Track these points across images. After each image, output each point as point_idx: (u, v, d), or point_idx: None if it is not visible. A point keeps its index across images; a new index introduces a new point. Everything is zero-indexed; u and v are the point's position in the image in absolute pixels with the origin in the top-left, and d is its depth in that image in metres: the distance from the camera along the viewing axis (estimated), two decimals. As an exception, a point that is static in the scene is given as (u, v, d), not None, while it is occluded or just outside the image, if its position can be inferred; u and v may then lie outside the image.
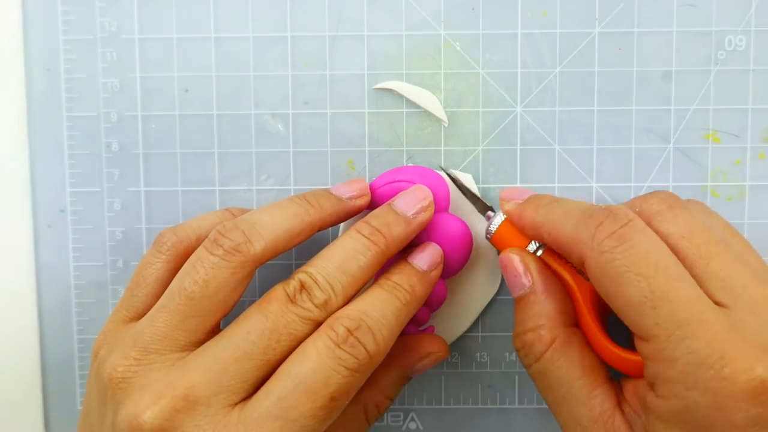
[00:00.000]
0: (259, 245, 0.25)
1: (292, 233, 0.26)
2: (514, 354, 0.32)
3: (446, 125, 0.32)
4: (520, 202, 0.27)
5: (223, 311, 0.25)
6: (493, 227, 0.28)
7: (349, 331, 0.24)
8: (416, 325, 0.30)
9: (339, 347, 0.24)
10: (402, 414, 0.33)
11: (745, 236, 0.31)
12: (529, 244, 0.28)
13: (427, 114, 0.32)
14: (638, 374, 0.24)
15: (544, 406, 0.33)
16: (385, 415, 0.33)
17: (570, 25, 0.31)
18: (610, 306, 0.23)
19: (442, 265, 0.28)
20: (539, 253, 0.27)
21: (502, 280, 0.32)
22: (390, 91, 0.32)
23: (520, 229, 0.28)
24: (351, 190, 0.28)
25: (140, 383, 0.24)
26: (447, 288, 0.30)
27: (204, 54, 0.32)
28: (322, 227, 0.27)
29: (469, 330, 0.32)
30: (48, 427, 0.33)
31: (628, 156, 0.32)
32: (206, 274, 0.25)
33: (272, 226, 0.26)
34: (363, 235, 0.26)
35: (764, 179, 0.32)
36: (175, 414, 0.23)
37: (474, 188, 0.31)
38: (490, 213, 0.29)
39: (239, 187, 0.32)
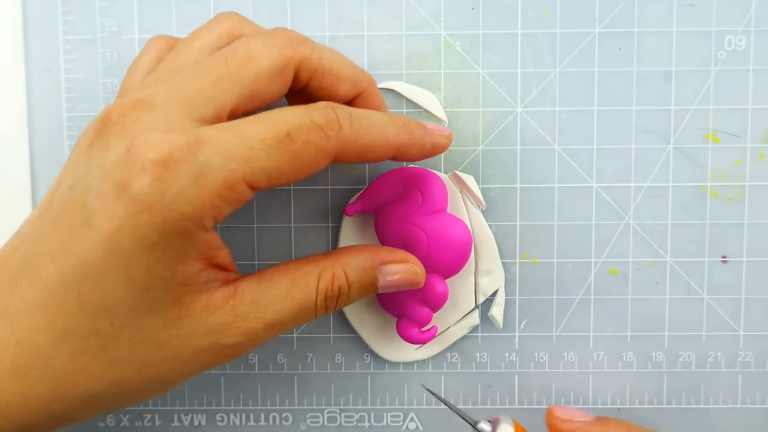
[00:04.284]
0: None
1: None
2: (514, 354, 0.33)
3: (446, 125, 0.32)
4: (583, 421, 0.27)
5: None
6: None
7: (330, 106, 0.24)
8: (419, 325, 0.30)
9: (314, 109, 0.24)
10: (402, 414, 0.33)
11: (745, 236, 0.32)
12: None
13: (427, 114, 0.32)
14: None
15: (544, 406, 0.33)
16: (385, 415, 0.33)
17: (570, 25, 0.31)
18: None
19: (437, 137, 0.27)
20: None
21: (503, 280, 0.32)
22: (390, 91, 0.32)
23: None
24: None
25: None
26: (448, 288, 0.30)
27: (204, 54, 0.32)
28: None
29: (469, 330, 0.32)
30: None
31: (628, 156, 0.32)
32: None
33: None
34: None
35: (764, 179, 0.32)
36: (130, 111, 0.24)
37: (476, 189, 0.31)
38: (483, 426, 0.28)
39: (239, 187, 0.32)
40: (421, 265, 0.28)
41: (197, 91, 0.24)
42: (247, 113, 0.25)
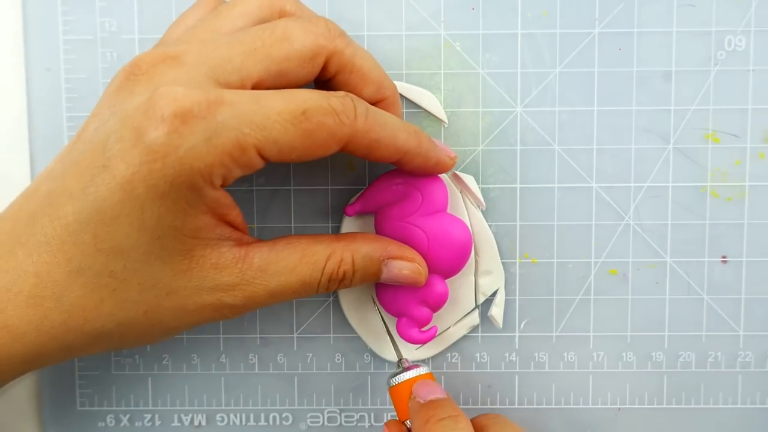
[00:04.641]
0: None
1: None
2: (514, 354, 0.33)
3: (446, 125, 0.32)
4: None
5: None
6: (398, 380, 0.28)
7: (350, 96, 0.25)
8: (419, 325, 0.30)
9: (334, 95, 0.25)
10: (402, 414, 0.33)
11: (745, 237, 0.32)
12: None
13: (427, 114, 0.32)
14: None
15: (544, 406, 0.33)
16: (385, 415, 0.33)
17: (570, 25, 0.31)
18: None
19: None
20: None
21: (503, 280, 0.32)
22: (390, 91, 0.32)
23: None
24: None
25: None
26: (448, 288, 0.30)
27: (204, 54, 0.32)
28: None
29: (469, 330, 0.32)
30: None
31: (627, 156, 0.32)
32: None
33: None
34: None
35: (764, 179, 0.32)
36: (159, 64, 0.24)
37: (475, 189, 0.31)
38: (405, 361, 0.29)
39: (240, 188, 0.32)
40: (425, 265, 0.28)
41: (227, 58, 0.25)
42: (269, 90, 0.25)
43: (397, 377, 0.28)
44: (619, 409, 0.33)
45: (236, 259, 0.25)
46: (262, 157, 0.24)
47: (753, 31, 0.31)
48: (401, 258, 0.28)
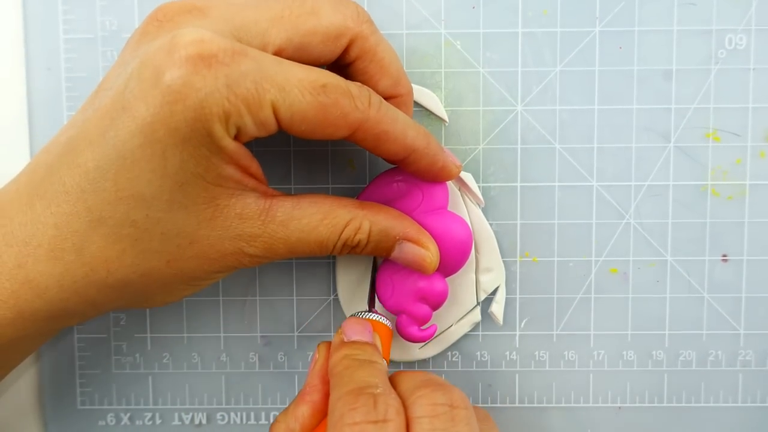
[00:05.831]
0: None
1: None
2: (514, 352, 0.33)
3: (447, 124, 0.32)
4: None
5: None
6: (358, 315, 0.29)
7: (366, 87, 0.25)
8: (418, 324, 0.30)
9: (352, 82, 0.25)
10: (402, 413, 0.33)
11: (745, 236, 0.32)
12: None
13: (428, 113, 0.32)
14: None
15: (545, 404, 0.33)
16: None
17: (570, 23, 0.31)
18: None
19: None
20: None
21: (504, 277, 0.32)
22: (390, 90, 0.32)
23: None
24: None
25: None
26: (448, 286, 0.30)
27: (204, 53, 0.32)
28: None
29: (472, 327, 0.32)
30: None
31: (628, 155, 0.32)
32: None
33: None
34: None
35: (765, 178, 0.32)
36: (185, 13, 0.24)
37: (474, 186, 0.31)
38: (374, 311, 0.29)
39: (240, 186, 0.32)
40: (438, 256, 0.28)
41: (253, 20, 0.24)
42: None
43: (357, 314, 0.29)
44: (619, 407, 0.33)
45: (260, 211, 0.25)
46: (276, 119, 0.23)
47: (754, 30, 0.31)
48: (417, 242, 0.28)
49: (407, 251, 0.28)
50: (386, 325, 0.29)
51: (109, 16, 0.32)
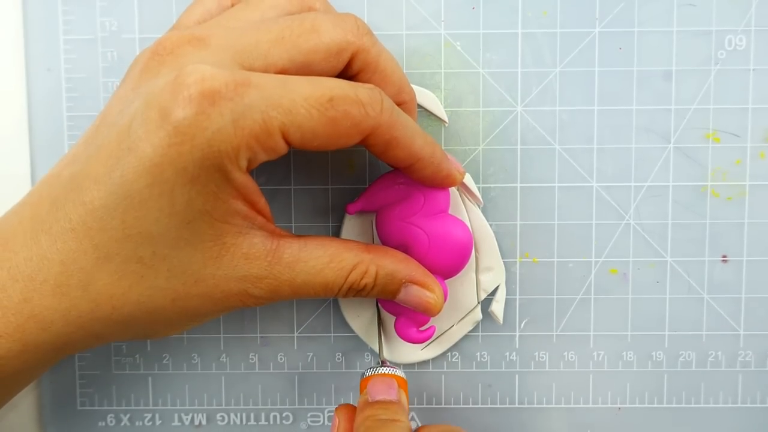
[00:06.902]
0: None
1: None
2: (514, 354, 0.33)
3: (446, 125, 0.32)
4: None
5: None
6: (368, 374, 0.29)
7: (377, 89, 0.25)
8: (417, 325, 0.30)
9: (362, 86, 0.24)
10: (402, 413, 0.33)
11: (745, 236, 0.32)
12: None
13: (428, 113, 0.32)
14: None
15: (545, 405, 0.33)
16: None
17: (570, 24, 0.31)
18: None
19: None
20: None
21: (504, 276, 0.32)
22: (390, 90, 0.32)
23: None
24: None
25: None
26: (447, 289, 0.30)
27: (204, 54, 0.32)
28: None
29: (473, 326, 0.32)
30: None
31: (628, 156, 0.32)
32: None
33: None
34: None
35: (764, 179, 0.32)
36: (185, 45, 0.24)
37: (473, 186, 0.31)
38: (385, 361, 0.30)
39: (240, 187, 0.32)
40: (443, 298, 0.28)
41: (254, 44, 0.24)
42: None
43: (369, 370, 0.29)
44: (619, 408, 0.33)
45: (267, 252, 0.25)
46: (286, 142, 0.23)
47: (753, 31, 0.31)
48: (423, 286, 0.28)
49: (413, 294, 0.28)
50: (401, 377, 0.29)
51: (109, 17, 0.32)
